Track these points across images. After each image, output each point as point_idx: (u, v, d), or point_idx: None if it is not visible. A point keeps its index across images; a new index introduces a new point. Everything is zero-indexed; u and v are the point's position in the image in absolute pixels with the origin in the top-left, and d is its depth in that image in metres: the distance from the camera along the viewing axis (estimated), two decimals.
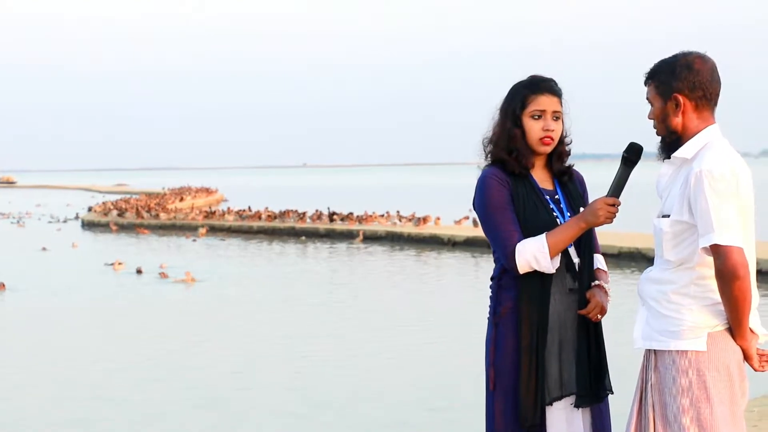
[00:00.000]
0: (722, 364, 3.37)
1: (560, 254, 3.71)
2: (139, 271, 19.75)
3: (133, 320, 14.35)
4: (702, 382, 3.35)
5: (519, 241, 3.67)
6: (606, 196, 3.67)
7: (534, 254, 3.64)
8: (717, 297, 3.37)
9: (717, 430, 3.34)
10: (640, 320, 3.52)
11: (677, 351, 3.38)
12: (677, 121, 3.48)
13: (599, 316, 3.75)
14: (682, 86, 3.45)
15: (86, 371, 10.71)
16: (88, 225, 36.56)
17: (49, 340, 12.73)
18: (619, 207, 3.68)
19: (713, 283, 3.38)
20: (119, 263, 20.87)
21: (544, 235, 3.66)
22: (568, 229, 3.67)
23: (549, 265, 3.65)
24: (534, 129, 3.75)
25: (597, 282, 3.81)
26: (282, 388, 9.75)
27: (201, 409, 9.01)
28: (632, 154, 3.66)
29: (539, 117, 3.75)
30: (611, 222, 3.69)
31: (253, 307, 15.37)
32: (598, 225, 3.69)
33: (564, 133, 3.84)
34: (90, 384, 10.08)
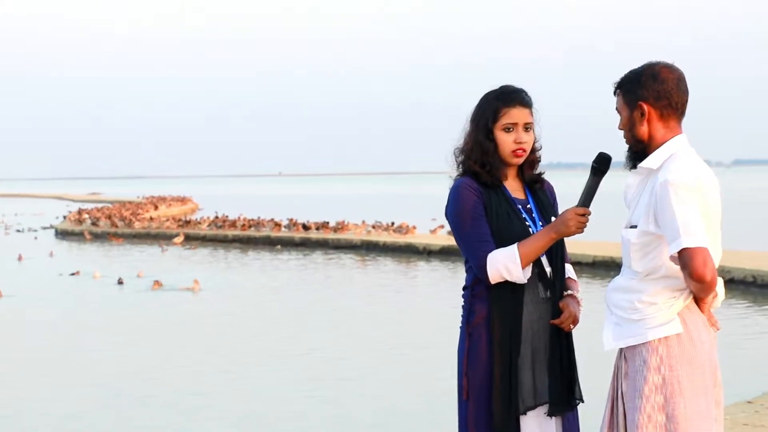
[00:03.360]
0: (693, 358, 3.42)
1: (532, 264, 3.74)
2: (120, 282, 19.51)
3: (122, 330, 14.23)
4: (675, 378, 3.40)
5: (491, 251, 3.69)
6: (576, 206, 3.71)
7: (505, 264, 3.66)
8: (683, 299, 3.42)
9: (692, 423, 3.39)
10: (608, 325, 3.57)
11: (648, 350, 3.42)
12: (643, 130, 3.53)
13: (572, 326, 3.78)
14: (648, 95, 3.51)
15: (84, 382, 10.65)
16: (62, 234, 36.36)
17: (46, 347, 12.70)
18: (589, 216, 3.71)
19: (680, 292, 3.43)
20: (97, 274, 20.84)
21: (515, 245, 3.69)
22: (540, 239, 3.70)
23: (521, 275, 3.68)
24: (506, 142, 3.77)
25: (569, 291, 3.84)
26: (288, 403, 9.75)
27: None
28: (601, 164, 3.70)
29: (511, 130, 3.77)
30: (582, 232, 3.72)
31: (234, 320, 15.31)
32: (569, 235, 3.72)
33: (534, 140, 3.85)
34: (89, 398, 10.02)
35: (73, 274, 21.29)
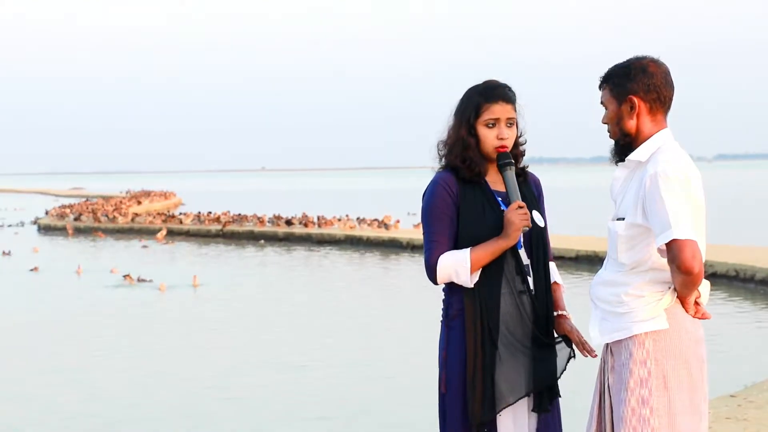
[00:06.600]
0: (679, 352, 3.42)
1: (509, 256, 3.71)
2: (128, 277, 19.25)
3: (113, 330, 14.16)
4: (660, 372, 3.40)
5: (443, 254, 3.70)
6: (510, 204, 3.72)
7: (455, 268, 3.68)
8: (670, 294, 3.42)
9: (675, 418, 3.39)
10: (594, 320, 3.56)
11: (634, 343, 3.42)
12: (631, 123, 3.53)
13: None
14: (637, 88, 3.50)
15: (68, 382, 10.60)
16: (45, 229, 36.21)
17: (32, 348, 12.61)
18: (525, 207, 3.70)
19: (667, 286, 3.43)
20: (79, 270, 20.74)
21: (468, 249, 3.69)
22: (491, 244, 3.69)
23: (468, 279, 3.68)
24: (488, 138, 3.76)
25: (560, 312, 3.81)
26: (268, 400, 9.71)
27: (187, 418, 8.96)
28: (504, 160, 3.73)
29: (493, 125, 3.76)
30: (528, 224, 3.69)
31: (217, 320, 15.28)
32: (517, 231, 3.67)
33: (519, 134, 3.83)
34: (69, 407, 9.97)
35: (31, 270, 21.22)
